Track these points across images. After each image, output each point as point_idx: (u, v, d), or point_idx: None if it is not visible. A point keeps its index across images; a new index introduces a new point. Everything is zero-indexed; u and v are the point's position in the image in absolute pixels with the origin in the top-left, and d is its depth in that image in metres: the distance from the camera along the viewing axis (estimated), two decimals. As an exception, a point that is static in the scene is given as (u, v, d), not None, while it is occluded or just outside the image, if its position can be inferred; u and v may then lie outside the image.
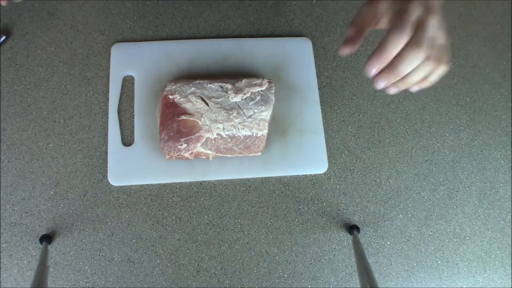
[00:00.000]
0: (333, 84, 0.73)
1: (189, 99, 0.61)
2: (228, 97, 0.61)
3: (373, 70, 0.40)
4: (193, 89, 0.62)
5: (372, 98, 0.73)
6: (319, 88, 0.72)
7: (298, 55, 0.72)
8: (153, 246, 0.64)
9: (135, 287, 0.62)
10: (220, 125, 0.60)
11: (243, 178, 0.67)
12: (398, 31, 0.38)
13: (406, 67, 0.38)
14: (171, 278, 0.63)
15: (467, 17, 0.80)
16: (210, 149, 0.61)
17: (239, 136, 0.60)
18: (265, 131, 0.61)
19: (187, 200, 0.66)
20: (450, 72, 0.77)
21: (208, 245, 0.65)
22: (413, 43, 0.37)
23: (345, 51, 0.44)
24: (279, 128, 0.68)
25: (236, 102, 0.61)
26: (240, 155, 0.63)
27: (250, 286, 0.64)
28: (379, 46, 0.39)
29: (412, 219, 0.69)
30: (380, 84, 0.41)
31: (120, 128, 0.66)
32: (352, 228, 0.66)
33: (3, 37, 0.69)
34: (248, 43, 0.72)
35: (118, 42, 0.71)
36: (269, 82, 0.63)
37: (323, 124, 0.70)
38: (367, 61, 0.40)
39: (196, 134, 0.59)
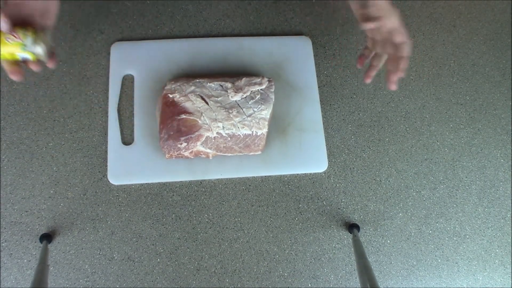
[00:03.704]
0: (332, 83, 0.73)
1: (189, 98, 0.61)
2: (228, 96, 0.61)
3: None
4: (193, 88, 0.62)
5: (372, 97, 0.73)
6: (319, 87, 0.72)
7: (298, 54, 0.72)
8: (153, 245, 0.64)
9: (135, 286, 0.62)
10: (220, 124, 0.60)
11: (243, 177, 0.67)
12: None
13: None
14: (171, 277, 0.63)
15: (467, 15, 0.80)
16: (210, 148, 0.61)
17: (239, 135, 0.60)
18: (265, 130, 0.61)
19: (187, 199, 0.66)
20: (450, 70, 0.77)
21: (208, 244, 0.65)
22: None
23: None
24: (279, 126, 0.68)
25: (236, 101, 0.61)
26: (240, 154, 0.63)
27: (250, 284, 0.64)
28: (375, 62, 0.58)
29: (412, 217, 0.69)
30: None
31: (120, 127, 0.66)
32: (352, 227, 0.66)
33: (3, 36, 0.69)
34: (248, 42, 0.72)
35: (118, 41, 0.71)
36: (269, 81, 0.63)
37: (323, 123, 0.70)
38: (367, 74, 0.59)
39: (196, 133, 0.59)
